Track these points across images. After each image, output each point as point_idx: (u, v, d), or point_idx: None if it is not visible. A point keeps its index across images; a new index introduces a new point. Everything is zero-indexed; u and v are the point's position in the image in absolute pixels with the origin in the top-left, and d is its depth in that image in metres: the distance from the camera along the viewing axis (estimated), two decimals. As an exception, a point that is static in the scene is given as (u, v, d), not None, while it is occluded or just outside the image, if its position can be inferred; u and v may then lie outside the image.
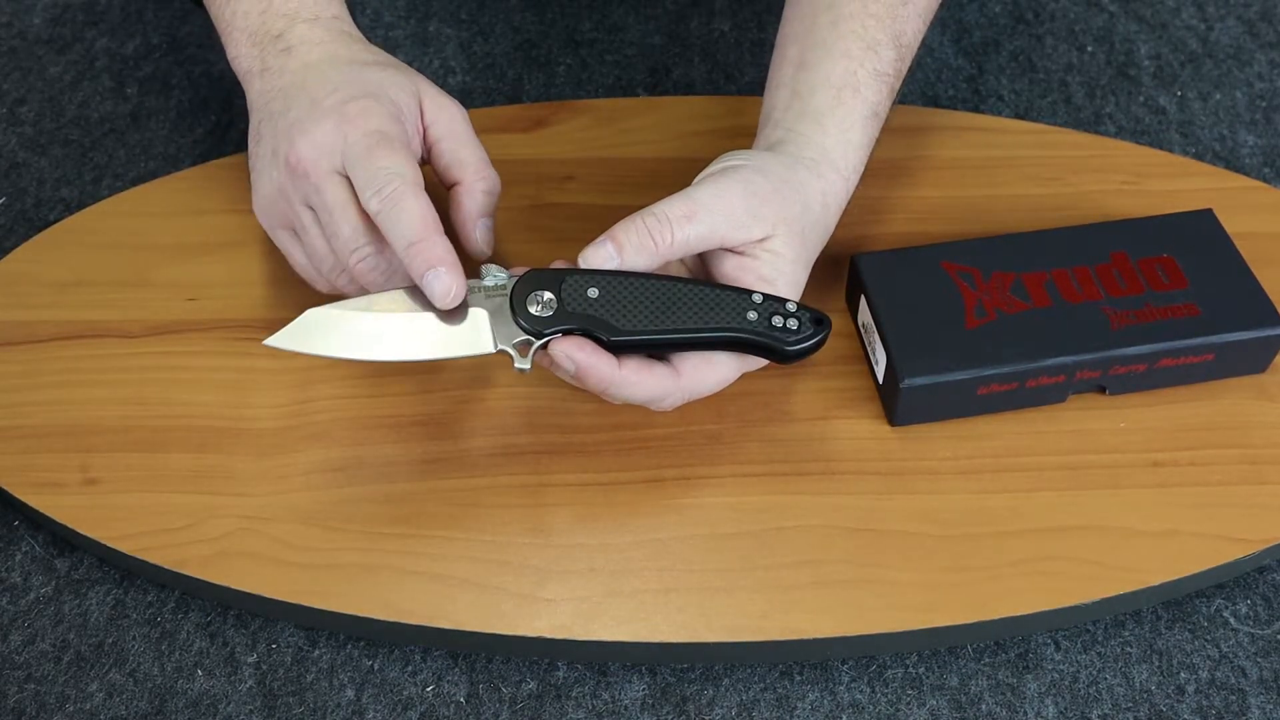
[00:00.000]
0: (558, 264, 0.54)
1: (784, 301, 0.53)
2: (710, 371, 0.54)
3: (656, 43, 0.83)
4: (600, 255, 0.51)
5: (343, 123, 0.53)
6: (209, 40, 0.84)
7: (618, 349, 0.51)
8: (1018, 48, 0.83)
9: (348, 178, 0.53)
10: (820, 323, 0.53)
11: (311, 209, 0.54)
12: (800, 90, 0.58)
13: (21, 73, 0.82)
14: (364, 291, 0.55)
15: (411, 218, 0.51)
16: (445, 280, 0.51)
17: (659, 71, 0.81)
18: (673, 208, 0.52)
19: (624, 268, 0.52)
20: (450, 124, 0.57)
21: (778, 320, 0.52)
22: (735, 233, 0.53)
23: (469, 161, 0.57)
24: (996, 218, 0.67)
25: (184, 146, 0.77)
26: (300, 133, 0.53)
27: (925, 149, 0.70)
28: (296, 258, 0.57)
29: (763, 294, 0.52)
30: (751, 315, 0.52)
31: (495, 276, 0.52)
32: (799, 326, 0.52)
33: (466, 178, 0.57)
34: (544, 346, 0.51)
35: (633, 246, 0.51)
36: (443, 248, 0.51)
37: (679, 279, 0.53)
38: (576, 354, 0.51)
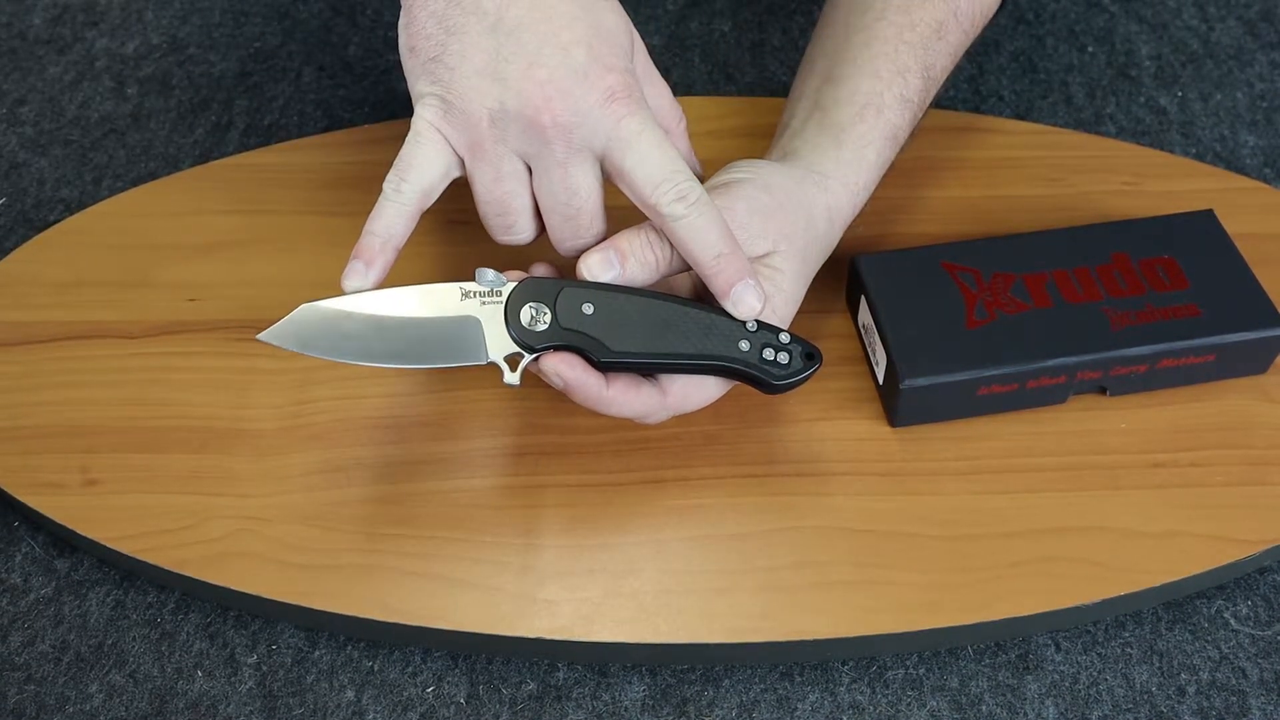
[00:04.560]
0: (539, 268, 0.53)
1: (777, 332, 0.53)
2: (696, 391, 0.54)
3: (657, 43, 0.83)
4: (602, 262, 0.51)
5: (610, 101, 0.49)
6: (209, 40, 0.84)
7: (607, 368, 0.52)
8: (1018, 48, 0.83)
9: (598, 154, 0.50)
10: (811, 358, 0.53)
11: (525, 164, 0.51)
12: (823, 103, 0.58)
13: (21, 73, 0.82)
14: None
15: (718, 226, 0.50)
16: (755, 291, 0.51)
17: (659, 72, 0.81)
18: None
19: (624, 279, 0.51)
20: (645, 65, 0.55)
21: (769, 353, 0.52)
22: None
23: (664, 103, 0.56)
24: (997, 218, 0.67)
25: (184, 146, 0.77)
26: (559, 91, 0.48)
27: (926, 149, 0.70)
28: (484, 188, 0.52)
29: (757, 321, 0.52)
30: (744, 345, 0.52)
31: (490, 281, 0.52)
32: (789, 360, 0.52)
33: (668, 122, 0.56)
34: (535, 360, 0.52)
35: (635, 259, 0.51)
36: (745, 258, 0.51)
37: (674, 299, 0.52)
38: (565, 371, 0.51)
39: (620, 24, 0.52)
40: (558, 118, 0.49)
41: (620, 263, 0.51)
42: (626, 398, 0.52)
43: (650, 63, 0.55)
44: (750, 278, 0.51)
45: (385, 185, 0.51)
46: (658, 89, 0.56)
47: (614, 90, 0.49)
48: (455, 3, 0.50)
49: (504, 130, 0.50)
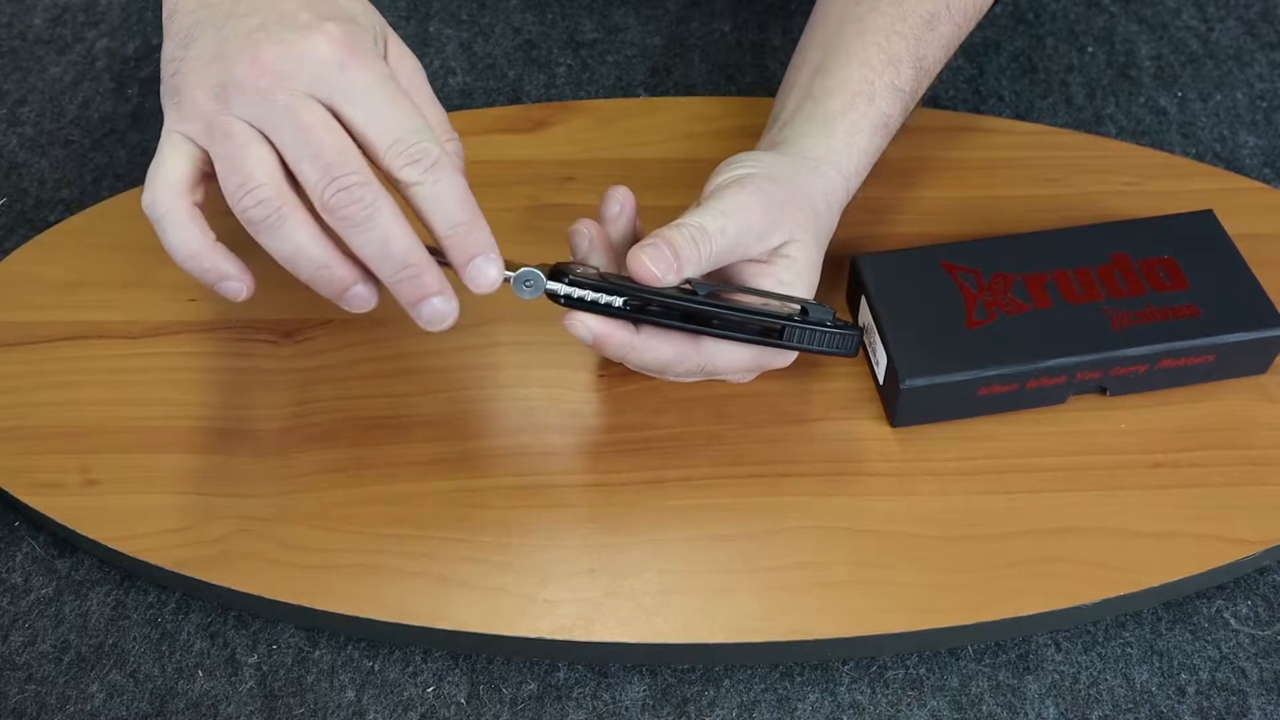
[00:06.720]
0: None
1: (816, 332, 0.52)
2: (730, 348, 0.53)
3: (657, 43, 0.83)
4: (660, 259, 0.49)
5: (331, 44, 0.45)
6: (209, 41, 0.84)
7: (638, 321, 0.51)
8: (1018, 48, 0.83)
9: (328, 107, 0.46)
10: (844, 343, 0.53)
11: (255, 128, 0.46)
12: (814, 93, 0.58)
13: (22, 73, 0.82)
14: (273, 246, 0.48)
15: (456, 194, 0.47)
16: (496, 264, 0.48)
17: (659, 72, 0.81)
18: (705, 220, 0.51)
19: (678, 277, 0.50)
20: (412, 76, 0.51)
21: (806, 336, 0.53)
22: (756, 244, 0.53)
23: (436, 121, 0.51)
24: (997, 218, 0.67)
25: (184, 147, 0.77)
26: (273, 40, 0.45)
27: (926, 149, 0.70)
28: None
29: (799, 322, 0.52)
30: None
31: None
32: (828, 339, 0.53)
33: (414, 89, 0.51)
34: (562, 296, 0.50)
35: (684, 257, 0.50)
36: (486, 229, 0.48)
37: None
38: (593, 323, 0.50)
39: (358, 5, 0.49)
40: (270, 65, 0.45)
41: (676, 260, 0.49)
42: (655, 342, 0.51)
43: (404, 48, 0.52)
44: (491, 251, 0.48)
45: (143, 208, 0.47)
46: (409, 65, 0.51)
47: (334, 36, 0.45)
48: (195, 18, 0.48)
49: (227, 100, 0.46)
